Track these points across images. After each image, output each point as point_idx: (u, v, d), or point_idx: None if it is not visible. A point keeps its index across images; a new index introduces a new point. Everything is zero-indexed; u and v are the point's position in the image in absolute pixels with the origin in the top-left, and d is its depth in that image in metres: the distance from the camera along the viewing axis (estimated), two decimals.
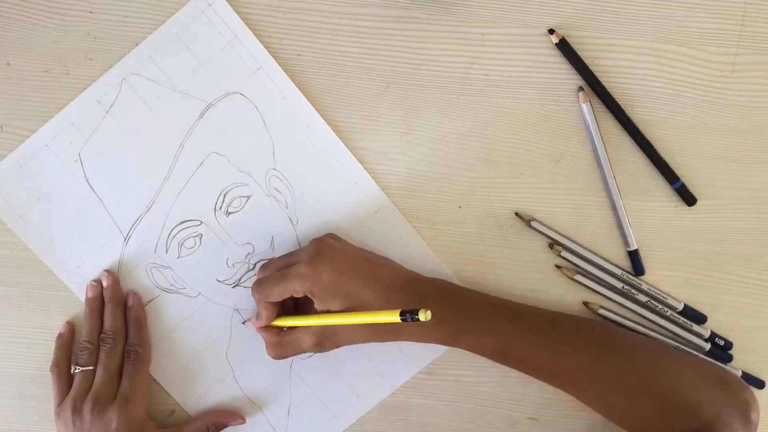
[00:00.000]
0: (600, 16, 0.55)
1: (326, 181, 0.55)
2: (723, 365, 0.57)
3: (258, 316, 0.53)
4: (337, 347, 0.52)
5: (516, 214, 0.56)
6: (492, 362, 0.53)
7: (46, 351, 0.56)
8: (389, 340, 0.52)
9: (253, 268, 0.55)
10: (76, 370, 0.54)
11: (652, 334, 0.57)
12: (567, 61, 0.54)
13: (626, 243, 0.56)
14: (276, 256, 0.55)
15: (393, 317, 0.43)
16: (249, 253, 0.55)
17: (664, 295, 0.56)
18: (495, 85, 0.55)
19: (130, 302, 0.55)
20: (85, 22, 0.53)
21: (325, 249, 0.51)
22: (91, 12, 0.53)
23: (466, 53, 0.55)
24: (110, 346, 0.53)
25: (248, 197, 0.55)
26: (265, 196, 0.55)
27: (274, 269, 0.53)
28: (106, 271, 0.55)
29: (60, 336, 0.55)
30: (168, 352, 0.56)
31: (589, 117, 0.54)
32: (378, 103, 0.55)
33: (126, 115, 0.54)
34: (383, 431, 0.58)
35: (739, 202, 0.57)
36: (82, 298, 0.55)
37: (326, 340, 0.51)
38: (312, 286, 0.49)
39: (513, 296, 0.57)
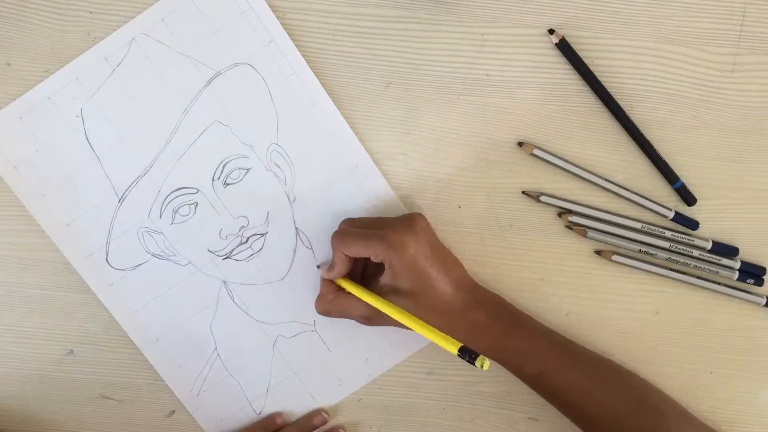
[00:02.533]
0: (600, 16, 0.55)
1: (328, 161, 0.55)
2: None
3: (331, 267, 0.52)
4: (383, 326, 0.52)
5: (523, 192, 0.56)
6: (491, 362, 0.53)
7: (46, 351, 0.56)
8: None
9: (246, 241, 0.55)
10: None
11: (674, 275, 0.57)
12: (567, 61, 0.54)
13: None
14: (362, 216, 0.55)
15: (451, 347, 0.43)
16: (243, 226, 0.55)
17: (690, 238, 0.56)
18: (495, 85, 0.55)
19: None
20: (85, 22, 0.53)
21: (418, 226, 0.51)
22: (91, 12, 0.53)
23: (466, 53, 0.55)
24: None
25: (248, 170, 0.54)
26: (264, 171, 0.55)
27: (361, 225, 0.53)
28: (325, 413, 0.57)
29: (272, 420, 0.56)
30: (152, 320, 0.55)
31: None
32: (378, 103, 0.55)
33: (132, 75, 0.53)
34: (383, 431, 0.58)
35: (739, 202, 0.57)
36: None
37: (377, 317, 0.51)
38: (392, 256, 0.49)
39: (513, 296, 0.57)
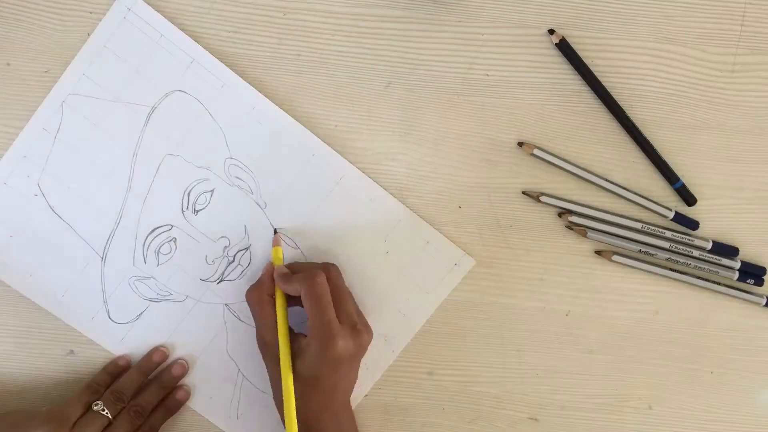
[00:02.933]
0: (600, 16, 0.55)
1: (284, 159, 0.55)
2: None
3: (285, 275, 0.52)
4: (262, 358, 0.53)
5: (523, 192, 0.56)
6: (492, 362, 0.53)
7: (46, 351, 0.56)
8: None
9: (234, 260, 0.55)
10: (95, 407, 0.52)
11: (674, 275, 0.57)
12: (567, 61, 0.54)
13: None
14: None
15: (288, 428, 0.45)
16: (226, 246, 0.55)
17: (690, 238, 0.56)
18: (495, 85, 0.55)
19: (181, 396, 0.55)
20: (85, 22, 0.53)
21: (339, 355, 0.49)
22: (91, 12, 0.53)
23: (466, 53, 0.55)
24: (137, 420, 0.53)
25: (212, 191, 0.54)
26: (228, 187, 0.55)
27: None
28: (183, 361, 0.56)
29: (115, 365, 0.55)
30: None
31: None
32: (378, 103, 0.55)
33: (74, 136, 0.54)
34: (383, 431, 0.58)
35: (739, 202, 0.57)
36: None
37: (267, 349, 0.51)
38: (318, 351, 0.48)
39: (514, 296, 0.57)
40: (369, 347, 0.52)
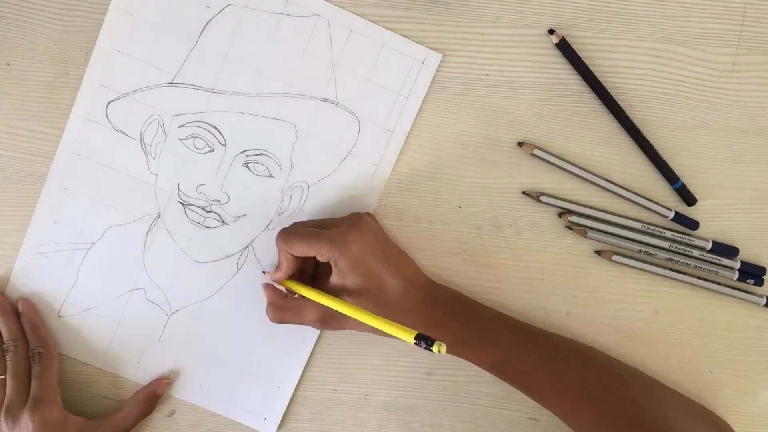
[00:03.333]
0: (600, 17, 0.55)
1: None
2: (711, 412, 0.56)
3: (277, 268, 0.52)
4: (340, 329, 0.52)
5: (523, 192, 0.56)
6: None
7: None
8: (392, 337, 0.52)
9: (207, 211, 0.55)
10: None
11: (674, 275, 0.57)
12: (567, 61, 0.54)
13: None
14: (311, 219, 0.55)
15: (407, 336, 0.42)
16: (218, 201, 0.55)
17: (690, 238, 0.56)
18: (495, 85, 0.55)
19: (21, 308, 0.55)
20: (84, 22, 0.53)
21: (364, 224, 0.51)
22: (92, 12, 0.53)
23: (466, 53, 0.55)
24: (13, 353, 0.53)
25: (270, 176, 0.55)
26: (279, 193, 0.55)
27: (309, 226, 0.53)
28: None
29: None
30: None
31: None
32: None
33: (288, 31, 0.53)
34: (383, 431, 0.58)
35: (739, 202, 0.57)
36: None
37: (332, 320, 0.51)
38: (338, 255, 0.49)
39: (513, 296, 0.57)
40: (373, 222, 0.52)
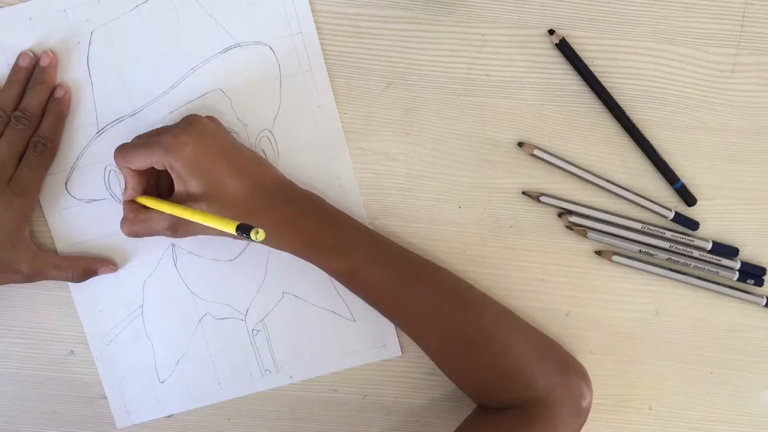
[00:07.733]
0: (600, 17, 0.55)
1: (313, 165, 0.55)
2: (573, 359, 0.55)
3: (125, 187, 0.51)
4: (192, 236, 0.51)
5: (523, 192, 0.56)
6: None
7: (46, 351, 0.56)
8: (230, 236, 0.46)
9: None
10: None
11: (674, 275, 0.57)
12: (567, 62, 0.54)
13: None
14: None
15: (229, 228, 0.41)
16: None
17: (690, 238, 0.56)
18: (495, 86, 0.55)
19: (60, 93, 0.52)
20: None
21: (199, 126, 0.49)
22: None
23: (466, 53, 0.55)
24: (23, 126, 0.51)
25: None
26: None
27: (143, 137, 0.51)
28: (50, 51, 0.52)
29: None
30: (87, 252, 0.55)
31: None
32: (378, 103, 0.55)
33: (154, 17, 0.53)
34: (383, 431, 0.58)
35: (739, 202, 0.57)
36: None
37: (180, 227, 0.50)
38: (173, 159, 0.47)
39: (513, 296, 0.57)
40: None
